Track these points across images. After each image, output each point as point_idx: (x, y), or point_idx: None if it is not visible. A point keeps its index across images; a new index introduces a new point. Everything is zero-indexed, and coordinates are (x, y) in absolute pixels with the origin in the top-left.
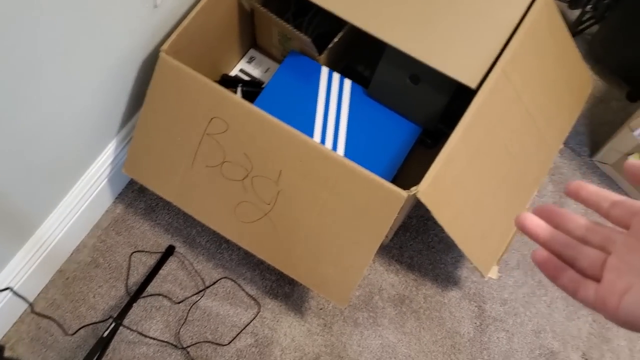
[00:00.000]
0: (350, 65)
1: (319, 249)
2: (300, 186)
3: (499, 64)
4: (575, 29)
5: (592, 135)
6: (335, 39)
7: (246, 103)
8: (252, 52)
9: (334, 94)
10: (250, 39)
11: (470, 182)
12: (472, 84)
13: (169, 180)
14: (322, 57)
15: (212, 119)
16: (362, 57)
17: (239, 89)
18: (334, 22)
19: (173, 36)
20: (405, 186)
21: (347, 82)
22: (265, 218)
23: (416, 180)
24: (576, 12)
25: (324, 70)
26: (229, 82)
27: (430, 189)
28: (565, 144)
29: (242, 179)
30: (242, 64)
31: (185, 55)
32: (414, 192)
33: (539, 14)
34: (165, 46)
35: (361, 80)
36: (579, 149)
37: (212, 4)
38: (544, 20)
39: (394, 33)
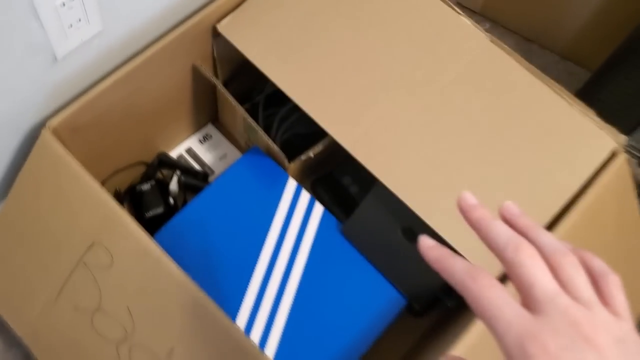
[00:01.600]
0: (333, 175)
1: None
2: None
3: None
4: None
5: None
6: (311, 153)
7: (144, 237)
8: (209, 128)
9: (295, 222)
10: (211, 111)
11: None
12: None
13: (25, 309)
14: (292, 166)
15: (92, 244)
16: (351, 167)
17: (175, 177)
18: (316, 124)
19: (73, 106)
20: None
21: (317, 210)
22: None
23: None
24: None
25: (290, 185)
26: (165, 165)
27: None
28: None
29: (118, 342)
30: (192, 142)
31: (93, 132)
32: None
33: (602, 198)
34: (54, 120)
35: (345, 199)
36: None
37: (153, 63)
38: (609, 206)
39: (392, 169)
